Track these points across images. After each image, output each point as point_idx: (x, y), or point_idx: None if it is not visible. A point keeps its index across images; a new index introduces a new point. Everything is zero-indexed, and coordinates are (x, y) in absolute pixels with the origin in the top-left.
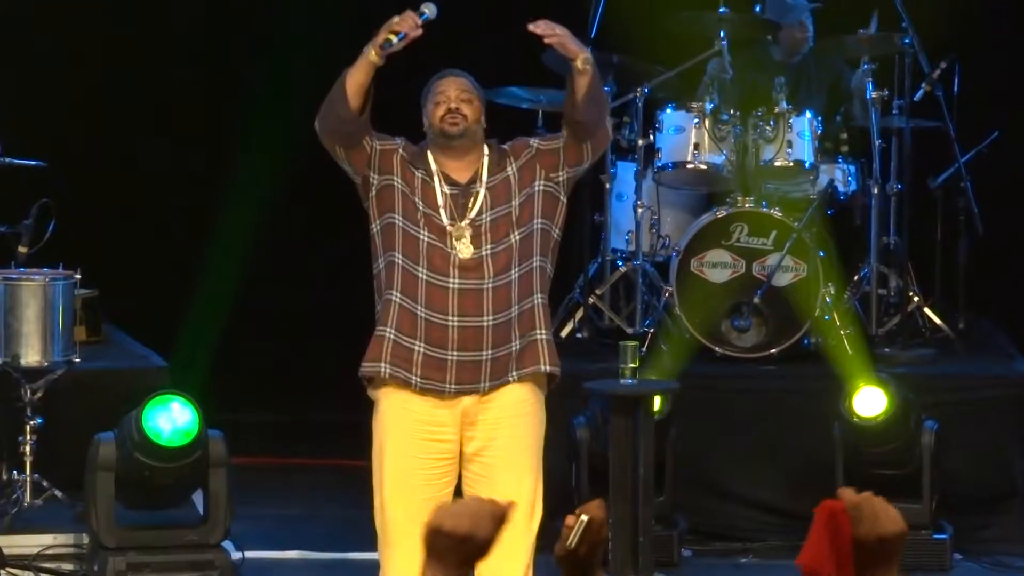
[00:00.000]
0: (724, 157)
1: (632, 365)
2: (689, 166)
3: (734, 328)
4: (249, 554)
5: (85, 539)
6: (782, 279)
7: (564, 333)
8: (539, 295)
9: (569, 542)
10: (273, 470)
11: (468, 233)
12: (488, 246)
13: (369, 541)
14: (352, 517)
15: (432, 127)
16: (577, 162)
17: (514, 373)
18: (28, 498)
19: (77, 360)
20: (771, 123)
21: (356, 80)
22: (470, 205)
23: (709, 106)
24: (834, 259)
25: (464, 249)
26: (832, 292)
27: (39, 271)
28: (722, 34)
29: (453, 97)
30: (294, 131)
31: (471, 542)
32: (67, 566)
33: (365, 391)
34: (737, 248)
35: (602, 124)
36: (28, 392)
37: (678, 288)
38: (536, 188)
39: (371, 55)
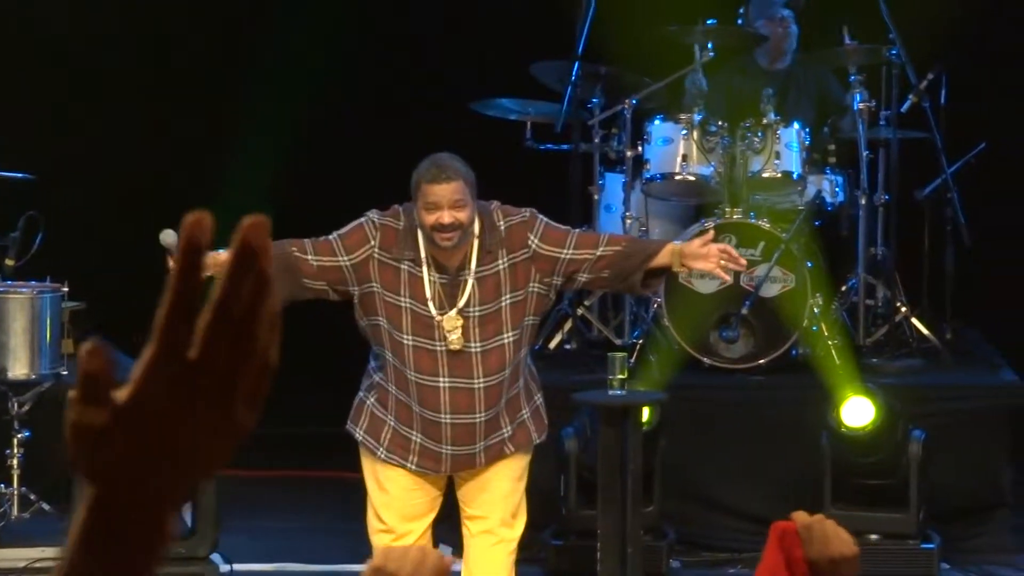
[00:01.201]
0: (712, 168)
1: (620, 376)
2: (677, 177)
3: (722, 339)
4: (238, 566)
5: None
6: (770, 290)
7: (552, 344)
8: (523, 377)
9: None
10: (261, 482)
11: (459, 324)
12: (477, 343)
13: (360, 554)
14: (344, 529)
15: (423, 230)
16: (574, 280)
17: (510, 446)
18: (16, 511)
19: (65, 373)
20: (759, 134)
21: None
22: (458, 295)
23: (697, 117)
24: (822, 270)
25: (455, 341)
26: (820, 303)
27: (26, 284)
28: (709, 46)
29: (446, 205)
30: (290, 142)
31: None
32: None
33: (350, 406)
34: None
35: None
36: (15, 405)
37: (666, 299)
38: (530, 290)
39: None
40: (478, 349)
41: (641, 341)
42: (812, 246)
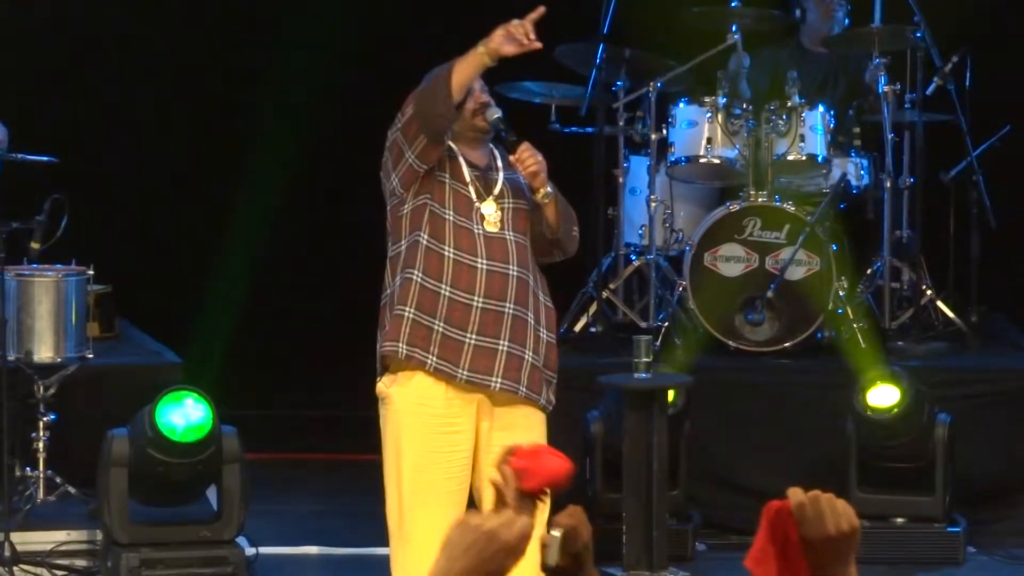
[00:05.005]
0: (737, 151)
1: (646, 359)
2: (702, 160)
3: (747, 322)
4: (263, 550)
5: (98, 535)
6: (795, 273)
7: (578, 328)
8: (549, 332)
9: (549, 560)
10: (286, 466)
11: (494, 207)
12: (511, 232)
13: (385, 537)
14: (366, 512)
15: (463, 121)
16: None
17: (523, 389)
18: (41, 494)
19: (90, 356)
20: (784, 117)
21: (465, 78)
22: (492, 187)
23: (722, 100)
24: (847, 253)
25: (493, 217)
26: (845, 286)
27: (52, 267)
28: (734, 28)
29: (478, 91)
30: (308, 128)
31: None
32: (80, 562)
33: (374, 386)
34: (750, 242)
35: (569, 245)
36: (41, 388)
37: (691, 282)
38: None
39: (485, 57)
40: (512, 238)
41: (666, 324)
42: (837, 229)
